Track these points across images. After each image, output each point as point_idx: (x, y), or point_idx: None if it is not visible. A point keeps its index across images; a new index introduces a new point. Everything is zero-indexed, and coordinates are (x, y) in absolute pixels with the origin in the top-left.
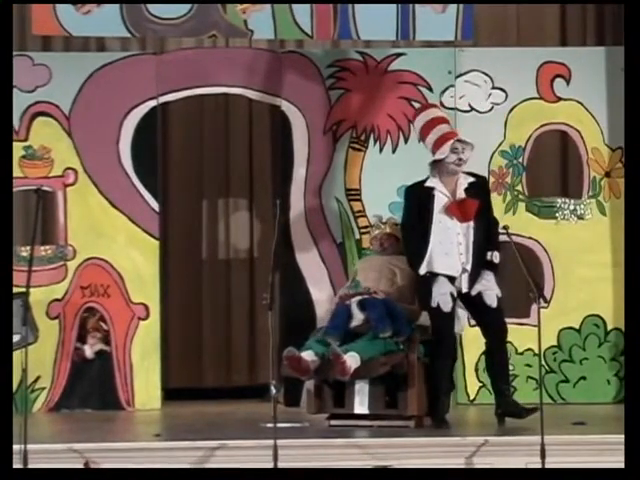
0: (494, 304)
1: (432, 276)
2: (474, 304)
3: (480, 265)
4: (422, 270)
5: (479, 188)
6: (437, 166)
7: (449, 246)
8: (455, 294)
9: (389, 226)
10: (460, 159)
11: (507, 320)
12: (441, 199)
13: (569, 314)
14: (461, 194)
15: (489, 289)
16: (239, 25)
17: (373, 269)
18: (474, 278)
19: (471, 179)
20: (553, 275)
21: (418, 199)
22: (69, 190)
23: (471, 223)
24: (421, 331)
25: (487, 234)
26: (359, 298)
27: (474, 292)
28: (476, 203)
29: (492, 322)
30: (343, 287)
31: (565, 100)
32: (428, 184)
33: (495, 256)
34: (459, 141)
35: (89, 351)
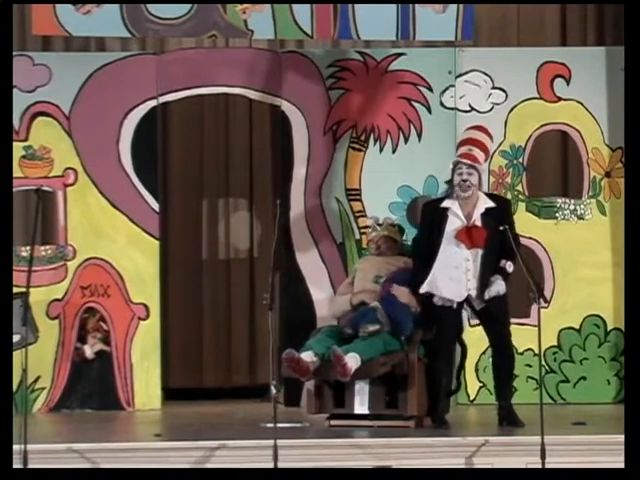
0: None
1: (431, 295)
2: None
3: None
4: (422, 289)
5: (498, 213)
6: (453, 187)
7: (454, 271)
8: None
9: (385, 228)
10: (464, 181)
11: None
12: (454, 222)
13: (569, 314)
14: (477, 219)
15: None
16: (239, 25)
17: (372, 269)
18: (481, 302)
19: (491, 204)
20: (553, 275)
21: (432, 218)
22: (69, 190)
23: (481, 250)
24: (422, 332)
25: (500, 260)
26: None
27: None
28: (485, 232)
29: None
30: (343, 284)
31: (565, 100)
32: (444, 204)
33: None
34: (463, 163)
35: (89, 351)
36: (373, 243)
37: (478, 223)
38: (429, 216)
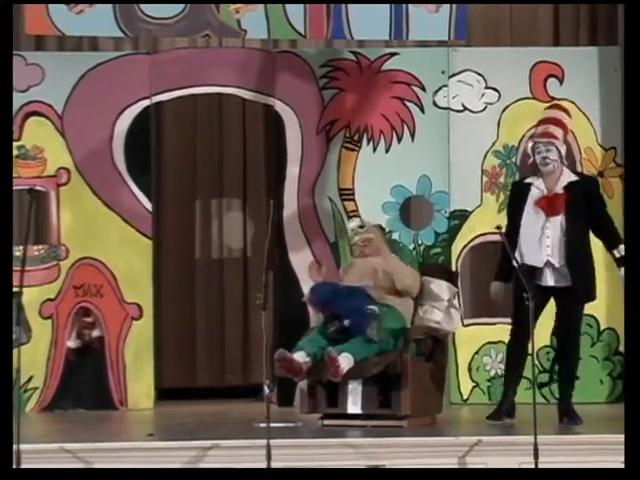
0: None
1: (519, 267)
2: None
3: (572, 263)
4: (515, 262)
5: (580, 187)
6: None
7: (533, 238)
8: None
9: (368, 230)
10: (544, 158)
11: (502, 320)
12: (535, 193)
13: None
14: (558, 190)
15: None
16: (232, 25)
17: (355, 273)
18: (562, 274)
19: (574, 178)
20: None
21: (516, 193)
22: (62, 190)
23: (562, 219)
24: (414, 330)
25: (585, 232)
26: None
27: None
28: (565, 199)
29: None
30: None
31: (558, 100)
32: (528, 180)
33: (620, 250)
34: (540, 142)
35: (71, 343)
36: (357, 247)
37: (559, 192)
38: (514, 192)
